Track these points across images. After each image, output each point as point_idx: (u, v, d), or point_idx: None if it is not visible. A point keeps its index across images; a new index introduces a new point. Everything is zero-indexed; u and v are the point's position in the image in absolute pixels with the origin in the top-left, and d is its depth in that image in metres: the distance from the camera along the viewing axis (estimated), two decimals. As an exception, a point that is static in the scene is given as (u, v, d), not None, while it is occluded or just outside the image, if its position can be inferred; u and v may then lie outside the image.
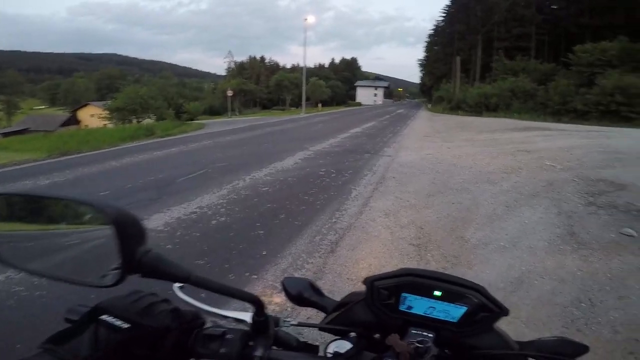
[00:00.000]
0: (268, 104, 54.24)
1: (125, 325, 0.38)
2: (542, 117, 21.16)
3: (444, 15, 45.59)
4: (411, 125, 17.30)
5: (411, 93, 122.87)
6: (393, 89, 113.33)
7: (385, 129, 15.50)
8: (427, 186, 5.24)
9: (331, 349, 0.48)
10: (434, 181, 5.51)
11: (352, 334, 0.52)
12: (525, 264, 2.82)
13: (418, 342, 0.44)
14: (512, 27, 34.33)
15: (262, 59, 65.75)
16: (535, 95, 24.83)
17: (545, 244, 3.19)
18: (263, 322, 0.44)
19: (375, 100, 78.66)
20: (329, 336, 0.52)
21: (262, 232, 3.56)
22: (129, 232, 0.36)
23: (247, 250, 3.13)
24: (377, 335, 0.53)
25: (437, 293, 0.46)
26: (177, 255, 3.01)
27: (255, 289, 2.41)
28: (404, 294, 0.48)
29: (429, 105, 41.10)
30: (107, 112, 27.42)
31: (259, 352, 0.42)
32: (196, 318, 0.44)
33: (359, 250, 3.17)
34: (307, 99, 42.22)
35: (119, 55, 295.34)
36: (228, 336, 0.42)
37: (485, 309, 0.46)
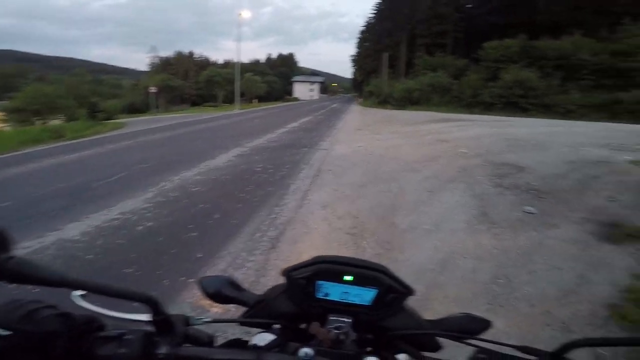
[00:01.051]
0: (198, 100, 50.84)
1: (5, 333, 0.36)
2: (457, 109, 23.38)
3: (374, 12, 47.64)
4: (344, 119, 17.82)
5: (344, 88, 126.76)
6: (328, 84, 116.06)
7: (320, 123, 15.77)
8: (360, 177, 5.45)
9: (253, 342, 0.47)
10: (366, 172, 5.75)
11: (276, 326, 0.52)
12: (448, 245, 3.09)
13: (336, 328, 0.46)
14: (432, 25, 36.75)
15: (191, 54, 61.92)
16: (451, 89, 27.18)
17: (464, 225, 3.52)
18: (164, 320, 0.42)
19: (311, 95, 79.91)
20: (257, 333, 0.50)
21: (195, 234, 3.35)
22: None
23: (180, 254, 2.93)
24: (303, 326, 0.53)
25: (348, 278, 0.48)
26: (100, 265, 2.73)
27: (194, 293, 2.28)
28: (319, 282, 0.49)
29: (361, 100, 42.40)
30: (3, 113, 23.32)
31: (163, 350, 0.41)
32: (91, 322, 0.42)
33: (300, 243, 3.17)
34: (242, 95, 40.98)
35: (18, 52, 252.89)
36: (127, 337, 0.40)
37: (392, 290, 0.48)
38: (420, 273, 2.63)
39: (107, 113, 24.80)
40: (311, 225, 3.59)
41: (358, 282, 0.48)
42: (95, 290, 0.38)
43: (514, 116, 18.58)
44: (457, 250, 3.00)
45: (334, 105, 36.60)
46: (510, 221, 3.55)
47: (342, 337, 0.45)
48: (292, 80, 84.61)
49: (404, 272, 2.63)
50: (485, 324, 0.54)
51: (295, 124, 14.73)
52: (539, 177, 4.79)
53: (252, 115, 20.65)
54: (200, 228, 3.47)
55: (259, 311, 0.53)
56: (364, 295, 0.48)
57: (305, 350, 0.43)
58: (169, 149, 8.34)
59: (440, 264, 2.76)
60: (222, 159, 6.91)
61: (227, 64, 61.67)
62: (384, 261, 2.92)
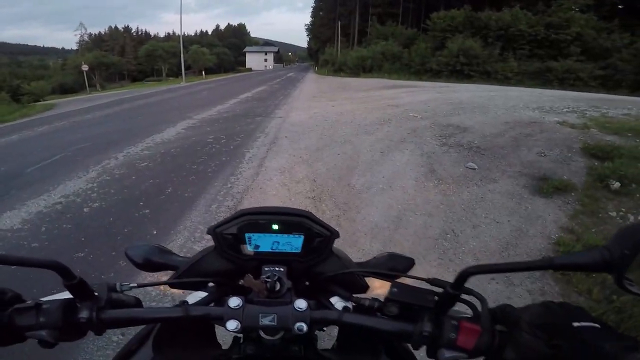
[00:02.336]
0: (139, 75, 48.62)
1: None
2: (407, 76, 24.30)
3: (329, -20, 45.75)
4: (300, 87, 17.54)
5: (300, 57, 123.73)
6: (283, 53, 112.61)
7: (276, 92, 15.34)
8: (316, 141, 5.48)
9: (188, 301, 0.47)
10: (322, 136, 5.79)
11: (210, 284, 0.52)
12: (400, 202, 3.27)
13: (269, 277, 0.45)
14: (384, -6, 36.75)
15: (127, 28, 56.35)
16: (401, 57, 28.18)
17: (413, 182, 3.73)
18: (81, 286, 0.40)
19: (266, 66, 77.87)
20: None
21: (147, 210, 3.19)
22: None
23: (133, 233, 2.79)
24: (241, 282, 0.52)
25: (275, 227, 0.48)
26: (49, 252, 2.53)
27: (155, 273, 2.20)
28: (247, 234, 0.48)
29: (316, 68, 42.26)
30: None
31: (84, 314, 0.40)
32: (4, 293, 0.40)
33: (260, 211, 3.16)
34: (189, 68, 39.31)
35: None
36: (45, 306, 0.39)
37: (318, 234, 0.49)
38: (377, 231, 2.79)
39: (34, 95, 21.97)
40: (269, 192, 3.58)
41: (285, 229, 0.48)
42: (2, 262, 0.36)
43: (459, 82, 19.64)
44: (409, 207, 3.20)
45: (290, 74, 35.62)
46: (454, 177, 3.84)
47: (276, 285, 0.45)
48: (245, 50, 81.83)
49: (361, 231, 2.78)
50: (409, 262, 0.57)
51: (248, 94, 14.15)
52: (480, 136, 5.16)
53: (200, 88, 19.39)
54: (152, 204, 3.31)
55: (191, 273, 0.52)
56: (293, 243, 0.49)
57: (234, 300, 0.42)
58: (109, 127, 7.63)
59: (395, 222, 2.93)
60: (170, 133, 6.50)
61: (170, 37, 58.93)
62: (342, 222, 3.06)
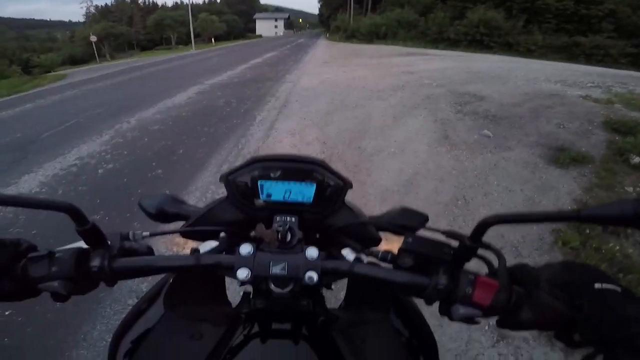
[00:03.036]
0: (148, 44, 48.42)
1: None
2: (423, 44, 23.22)
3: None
4: (311, 53, 17.04)
5: (311, 24, 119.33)
6: (294, 20, 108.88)
7: (286, 57, 14.96)
8: (327, 106, 5.39)
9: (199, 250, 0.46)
10: (333, 101, 5.68)
11: (222, 235, 0.52)
12: (412, 167, 3.22)
13: (281, 226, 0.45)
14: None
15: None
16: (417, 25, 26.89)
17: (426, 147, 3.66)
18: (92, 231, 0.39)
19: (276, 32, 77.02)
20: None
21: (160, 171, 3.24)
22: None
23: (147, 194, 2.84)
24: (252, 233, 0.50)
25: (287, 174, 0.47)
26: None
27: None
28: (260, 182, 0.47)
29: (327, 35, 41.17)
30: None
31: (96, 263, 0.39)
32: (19, 243, 0.39)
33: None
34: (198, 36, 39.27)
35: None
36: (58, 255, 0.38)
37: (330, 184, 0.48)
38: (387, 194, 2.77)
39: (44, 67, 21.99)
40: (279, 153, 3.58)
41: (296, 177, 0.47)
42: (9, 203, 0.34)
43: (478, 52, 18.70)
44: (420, 171, 3.16)
45: (300, 40, 34.62)
46: (468, 143, 3.75)
47: (287, 235, 0.44)
48: (254, 17, 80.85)
49: (371, 194, 2.78)
50: (423, 217, 0.55)
51: (258, 60, 13.88)
52: (497, 105, 4.99)
53: (210, 54, 19.03)
54: (165, 165, 3.35)
55: (203, 222, 0.51)
56: (305, 192, 0.48)
57: (245, 247, 0.41)
58: (120, 94, 7.62)
59: (405, 185, 2.91)
60: (181, 98, 6.47)
61: (178, 6, 59.37)
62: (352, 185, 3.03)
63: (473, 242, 0.37)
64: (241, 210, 0.50)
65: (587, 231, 2.21)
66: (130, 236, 0.45)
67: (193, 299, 0.54)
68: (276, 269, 0.41)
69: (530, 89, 5.94)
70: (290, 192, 0.48)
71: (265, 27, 78.27)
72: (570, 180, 3.01)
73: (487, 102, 5.18)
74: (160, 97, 6.57)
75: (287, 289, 0.46)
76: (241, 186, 0.48)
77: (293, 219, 0.49)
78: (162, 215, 0.55)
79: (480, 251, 0.39)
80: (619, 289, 0.32)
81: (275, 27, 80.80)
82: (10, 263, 0.38)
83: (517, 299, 0.35)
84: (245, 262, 0.41)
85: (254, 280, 0.41)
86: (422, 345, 0.52)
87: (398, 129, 4.23)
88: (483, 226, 0.36)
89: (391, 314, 0.52)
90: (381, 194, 2.79)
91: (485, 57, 14.05)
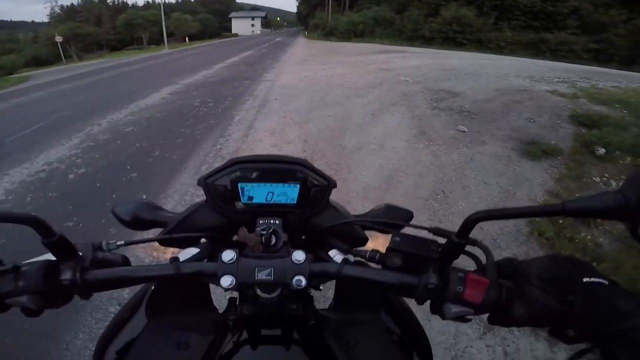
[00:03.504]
0: (118, 45, 46.99)
1: None
2: (399, 42, 23.78)
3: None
4: (289, 52, 16.94)
5: (289, 22, 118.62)
6: (271, 18, 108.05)
7: (264, 56, 14.77)
8: (307, 104, 5.38)
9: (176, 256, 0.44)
10: (312, 99, 5.68)
11: (203, 240, 0.50)
12: (391, 163, 3.27)
13: (264, 229, 0.43)
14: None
15: None
16: (393, 23, 27.62)
17: (404, 143, 3.73)
18: (59, 243, 0.36)
19: (253, 31, 76.20)
20: None
21: (135, 174, 3.13)
22: None
23: (122, 198, 2.70)
24: (234, 238, 0.50)
25: (269, 176, 0.46)
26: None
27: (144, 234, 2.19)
28: (240, 185, 0.46)
29: (306, 33, 40.95)
30: None
31: (67, 276, 0.36)
32: None
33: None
34: (171, 35, 38.66)
35: None
36: (24, 269, 0.36)
37: (314, 183, 0.47)
38: (369, 191, 2.81)
39: (5, 69, 20.82)
40: (260, 152, 3.53)
41: (279, 178, 0.46)
42: None
43: (451, 50, 19.25)
44: (400, 167, 3.22)
45: (278, 39, 34.30)
46: (445, 139, 3.85)
47: (272, 239, 0.43)
48: (230, 16, 79.53)
49: (353, 191, 2.80)
50: (408, 214, 0.55)
51: (235, 59, 13.62)
52: (471, 101, 5.14)
53: (184, 54, 18.52)
54: (140, 168, 3.23)
55: (181, 229, 0.49)
56: (289, 193, 0.47)
57: (228, 253, 0.39)
58: (90, 95, 7.27)
59: (386, 182, 2.95)
60: (155, 98, 6.26)
61: (150, 6, 58.13)
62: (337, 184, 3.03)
63: (460, 239, 0.37)
64: (222, 214, 0.48)
65: (561, 222, 2.31)
66: (104, 246, 0.42)
67: (177, 306, 0.52)
68: (262, 275, 0.39)
69: (501, 84, 6.17)
70: (273, 193, 0.47)
71: (241, 26, 77.14)
72: (542, 171, 3.14)
73: (462, 98, 5.34)
74: (132, 97, 6.33)
75: (275, 294, 0.45)
76: (221, 189, 0.46)
77: (277, 222, 0.47)
78: (137, 223, 0.52)
79: (467, 247, 0.38)
80: (606, 282, 0.31)
81: (252, 25, 79.88)
82: None
83: (508, 295, 0.35)
84: (228, 269, 0.39)
85: (239, 287, 0.40)
86: (414, 343, 0.51)
87: (377, 126, 4.28)
88: (470, 223, 0.35)
89: (382, 313, 0.52)
90: (363, 190, 2.82)
91: (458, 54, 14.47)
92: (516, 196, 2.76)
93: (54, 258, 0.37)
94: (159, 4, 34.58)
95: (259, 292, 0.45)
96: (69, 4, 54.78)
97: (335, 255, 0.49)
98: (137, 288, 0.52)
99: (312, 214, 0.49)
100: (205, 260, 0.47)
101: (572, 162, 3.23)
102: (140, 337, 0.46)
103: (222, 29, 70.97)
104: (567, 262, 0.34)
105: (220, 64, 11.89)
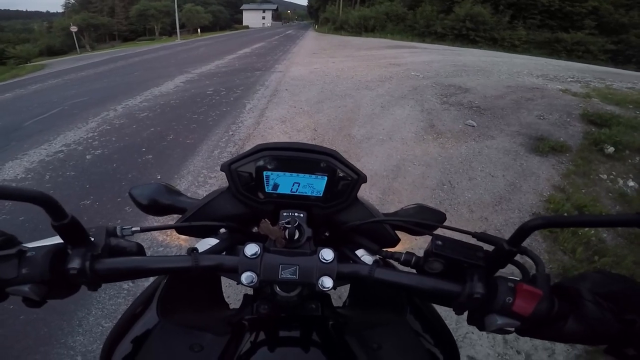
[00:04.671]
0: (131, 35, 47.36)
1: None
2: (410, 37, 23.56)
3: None
4: (300, 44, 16.90)
5: (299, 15, 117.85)
6: (282, 11, 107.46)
7: (275, 48, 14.77)
8: (317, 95, 5.42)
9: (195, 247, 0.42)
10: (322, 90, 5.72)
11: (222, 231, 0.47)
12: (400, 153, 3.32)
13: (289, 222, 0.40)
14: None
15: None
16: (405, 19, 27.30)
17: (413, 135, 3.77)
18: (70, 226, 0.33)
19: (264, 23, 75.84)
20: None
21: (150, 156, 3.23)
22: None
23: (137, 178, 2.83)
24: (255, 229, 0.47)
25: (296, 165, 0.44)
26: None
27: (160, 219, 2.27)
28: (266, 173, 0.43)
29: (316, 27, 40.68)
30: None
31: (76, 264, 0.33)
32: None
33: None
34: (183, 27, 38.66)
35: None
36: (30, 254, 0.33)
37: (343, 177, 0.44)
38: (377, 179, 2.86)
39: (21, 58, 21.15)
40: (270, 139, 3.60)
41: (306, 169, 0.43)
42: None
43: (464, 47, 19.04)
44: (408, 157, 3.27)
45: (289, 31, 34.21)
46: (453, 132, 3.88)
47: (296, 233, 0.40)
48: (242, 8, 79.44)
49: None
50: (441, 216, 0.51)
51: (246, 50, 13.66)
52: (481, 97, 5.14)
53: (196, 45, 18.61)
54: (155, 151, 3.34)
55: (200, 216, 0.46)
56: (315, 185, 0.44)
57: (251, 247, 0.37)
58: (104, 83, 7.41)
59: (394, 171, 3.00)
60: (169, 86, 6.37)
61: None
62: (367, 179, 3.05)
63: (512, 246, 0.34)
64: (244, 203, 0.46)
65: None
66: (118, 232, 0.39)
67: (189, 303, 0.49)
68: (286, 274, 0.36)
69: (512, 82, 6.12)
70: (299, 184, 0.44)
71: (252, 18, 76.87)
72: (549, 167, 3.16)
73: (472, 94, 5.33)
74: (147, 85, 6.45)
75: (294, 293, 0.43)
76: (245, 177, 0.44)
77: (302, 215, 0.45)
78: (154, 207, 0.50)
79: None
80: None
81: (263, 18, 79.48)
82: None
83: (560, 309, 0.32)
84: (251, 265, 0.36)
85: (260, 285, 0.37)
86: (441, 347, 0.46)
87: (386, 118, 4.32)
88: (526, 230, 0.32)
89: (408, 314, 0.47)
90: (370, 178, 2.86)
91: (471, 52, 14.32)
92: (522, 189, 2.79)
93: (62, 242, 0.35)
94: (172, -5, 34.85)
95: (277, 289, 0.43)
96: (84, -8, 54.98)
97: (363, 255, 0.46)
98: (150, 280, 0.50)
99: (339, 209, 0.46)
100: (225, 252, 0.45)
101: (579, 159, 3.23)
102: (150, 336, 0.43)
103: (233, 20, 70.94)
104: (619, 280, 0.32)
105: (232, 55, 11.96)
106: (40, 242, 0.35)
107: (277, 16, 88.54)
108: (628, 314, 0.30)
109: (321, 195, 0.45)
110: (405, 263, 0.41)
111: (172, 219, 0.48)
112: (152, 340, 0.42)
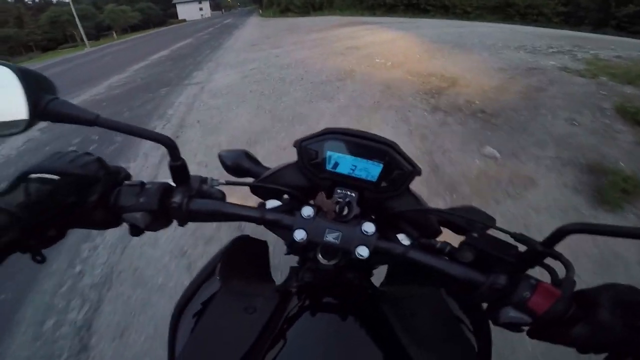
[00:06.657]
0: (50, 44, 45.20)
1: (55, 177, 0.38)
2: (360, 12, 22.26)
3: None
4: (237, 35, 14.67)
5: (242, 1, 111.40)
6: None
7: (203, 45, 12.59)
8: (248, 124, 3.62)
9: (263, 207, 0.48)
10: (258, 112, 3.94)
11: (285, 196, 0.52)
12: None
13: (341, 198, 0.46)
14: None
15: None
16: (354, -9, 25.75)
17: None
18: (181, 168, 0.43)
19: (202, 15, 73.51)
20: None
21: None
22: (33, 81, 0.36)
23: None
24: (312, 201, 0.53)
25: (356, 149, 0.46)
26: None
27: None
28: (329, 152, 0.47)
29: (261, 12, 38.68)
30: None
31: (177, 199, 0.42)
32: (119, 172, 0.44)
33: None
34: (109, 29, 38.55)
35: None
36: (148, 187, 0.43)
37: (398, 166, 0.45)
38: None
39: None
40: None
41: (365, 154, 0.45)
42: (122, 130, 0.38)
43: (416, 17, 17.79)
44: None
45: (227, 20, 31.61)
46: (470, 179, 2.33)
47: (345, 209, 0.45)
48: (174, 2, 75.94)
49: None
50: (490, 220, 0.49)
51: (164, 52, 11.50)
52: (478, 91, 3.70)
53: (106, 52, 16.06)
54: None
55: (270, 181, 0.52)
56: (371, 170, 0.46)
57: (307, 209, 0.43)
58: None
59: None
60: (37, 126, 4.21)
61: (79, 1, 54.28)
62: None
63: (545, 248, 0.35)
64: (306, 176, 0.50)
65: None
66: (208, 181, 0.48)
67: (244, 274, 0.57)
68: (330, 237, 0.42)
69: (500, 62, 4.77)
70: (356, 167, 0.46)
71: (188, 11, 72.74)
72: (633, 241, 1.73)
73: (463, 87, 3.90)
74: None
75: (333, 262, 0.48)
76: (311, 153, 0.47)
77: (354, 194, 0.48)
78: (236, 169, 0.56)
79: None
80: None
81: (201, 9, 75.27)
82: (108, 186, 0.41)
83: (575, 313, 0.33)
84: (304, 223, 0.43)
85: (308, 243, 0.43)
86: (474, 325, 0.49)
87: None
88: (561, 234, 0.33)
89: (442, 290, 0.51)
90: None
91: (428, 22, 12.90)
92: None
93: (170, 183, 0.44)
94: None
95: (320, 258, 0.48)
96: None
97: (403, 239, 0.49)
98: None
99: (389, 196, 0.48)
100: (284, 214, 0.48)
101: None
102: (213, 300, 0.50)
103: (167, 16, 69.24)
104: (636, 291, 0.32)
105: (142, 62, 9.82)
106: (153, 181, 0.44)
107: (215, 5, 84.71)
108: (636, 320, 0.30)
109: (375, 180, 0.47)
110: (440, 251, 0.44)
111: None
112: (215, 302, 0.50)
